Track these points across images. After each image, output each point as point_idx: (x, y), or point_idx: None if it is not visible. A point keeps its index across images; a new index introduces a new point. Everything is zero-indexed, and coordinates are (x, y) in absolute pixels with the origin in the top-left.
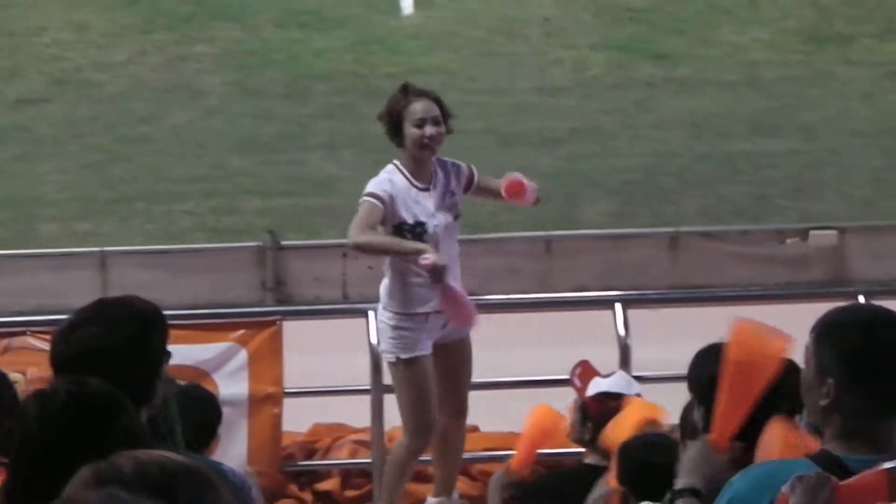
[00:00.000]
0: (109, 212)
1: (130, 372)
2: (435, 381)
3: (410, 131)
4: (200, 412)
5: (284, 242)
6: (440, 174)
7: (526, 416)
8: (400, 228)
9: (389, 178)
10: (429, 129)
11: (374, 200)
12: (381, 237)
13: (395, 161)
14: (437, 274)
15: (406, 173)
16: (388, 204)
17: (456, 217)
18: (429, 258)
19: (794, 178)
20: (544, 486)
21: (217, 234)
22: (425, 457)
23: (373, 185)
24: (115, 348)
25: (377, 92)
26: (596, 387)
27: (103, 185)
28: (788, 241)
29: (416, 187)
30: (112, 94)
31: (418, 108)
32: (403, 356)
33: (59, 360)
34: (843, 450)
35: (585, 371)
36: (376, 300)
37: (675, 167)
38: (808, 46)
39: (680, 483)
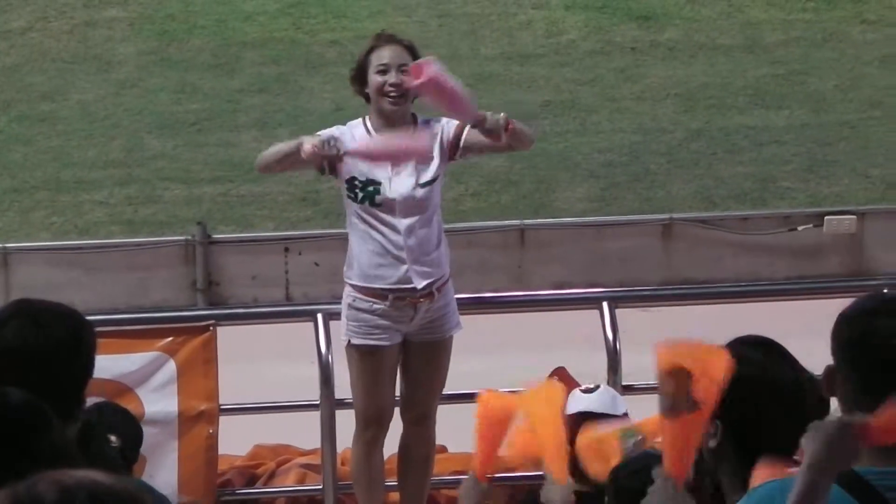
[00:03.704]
0: (8, 203)
1: (61, 378)
2: (401, 375)
3: (372, 78)
4: (123, 429)
5: (215, 236)
6: (420, 134)
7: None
8: (351, 184)
9: (349, 130)
10: (393, 76)
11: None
12: (273, 146)
13: (366, 116)
14: (329, 156)
15: (370, 129)
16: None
17: (428, 183)
18: (307, 148)
19: (803, 157)
20: None
21: (134, 228)
22: (391, 481)
23: (324, 130)
24: (49, 348)
25: (317, 62)
26: (575, 403)
27: (0, 173)
28: (799, 228)
29: None
30: (8, 66)
31: (385, 53)
32: (355, 341)
33: None
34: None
35: (562, 381)
36: (323, 301)
37: (665, 146)
38: (818, 3)
39: None
